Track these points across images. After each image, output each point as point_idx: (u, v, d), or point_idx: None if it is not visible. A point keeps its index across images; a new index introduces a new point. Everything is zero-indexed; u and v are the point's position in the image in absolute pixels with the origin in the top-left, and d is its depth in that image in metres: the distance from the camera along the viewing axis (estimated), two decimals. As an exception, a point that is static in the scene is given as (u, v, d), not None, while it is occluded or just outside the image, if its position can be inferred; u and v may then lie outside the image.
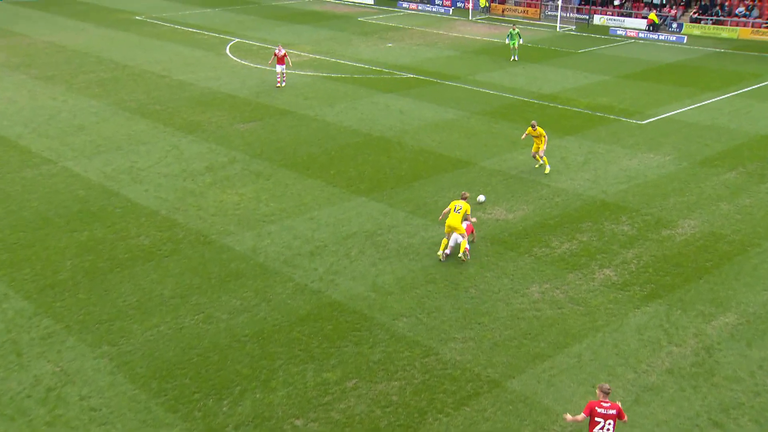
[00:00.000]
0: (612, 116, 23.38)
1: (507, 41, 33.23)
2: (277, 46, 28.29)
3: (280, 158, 19.78)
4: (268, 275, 13.83)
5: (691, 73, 29.76)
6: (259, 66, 30.57)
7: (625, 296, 13.13)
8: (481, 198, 15.43)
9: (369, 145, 20.77)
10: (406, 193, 17.42)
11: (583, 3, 44.24)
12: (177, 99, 25.34)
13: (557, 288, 13.38)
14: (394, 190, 17.59)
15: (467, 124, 22.78)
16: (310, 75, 29.39)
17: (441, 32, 39.78)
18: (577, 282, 13.43)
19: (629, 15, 42.23)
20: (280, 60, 26.25)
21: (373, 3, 52.04)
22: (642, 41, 37.78)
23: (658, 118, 23.20)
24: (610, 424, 9.06)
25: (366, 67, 30.90)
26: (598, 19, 42.90)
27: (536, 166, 18.69)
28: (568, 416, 9.26)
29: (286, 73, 27.65)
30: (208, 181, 18.16)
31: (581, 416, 9.15)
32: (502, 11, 46.69)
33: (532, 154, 18.45)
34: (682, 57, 33.15)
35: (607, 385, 9.14)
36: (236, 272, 13.93)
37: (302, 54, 33.68)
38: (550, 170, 18.37)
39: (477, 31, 40.11)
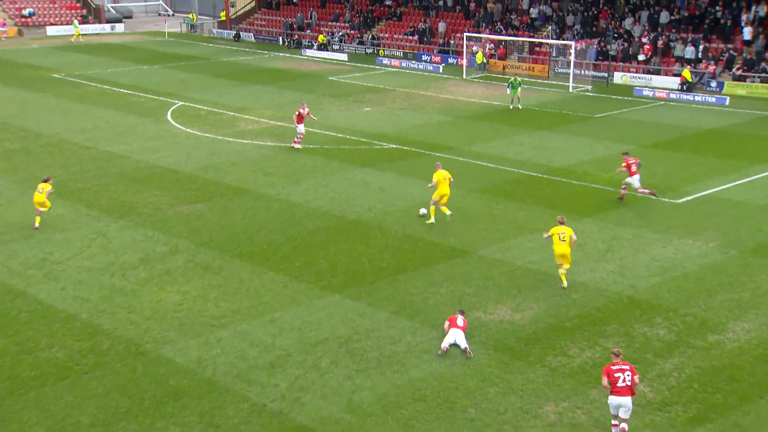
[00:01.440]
0: (639, 194, 24.62)
1: (508, 91, 36.54)
2: (302, 103, 30.77)
3: (234, 247, 20.38)
4: (216, 394, 13.93)
5: (736, 141, 31.43)
6: (208, 135, 31.81)
7: (666, 419, 13.09)
8: (423, 211, 20.64)
9: (343, 231, 21.49)
10: (389, 290, 17.90)
11: (600, 58, 47.14)
12: (105, 175, 26.16)
13: (578, 407, 13.48)
14: (374, 286, 18.08)
15: (462, 204, 23.68)
16: (271, 146, 30.60)
17: (429, 94, 41.84)
18: (602, 400, 13.45)
19: (657, 72, 44.95)
20: (303, 118, 29.14)
21: (347, 59, 54.82)
22: (674, 103, 39.95)
23: (697, 196, 24.33)
24: (628, 375, 12.54)
25: (339, 135, 32.26)
26: (619, 77, 45.57)
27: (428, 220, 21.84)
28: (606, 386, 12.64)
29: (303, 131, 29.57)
30: (142, 277, 18.58)
31: (604, 381, 12.56)
32: (503, 68, 49.39)
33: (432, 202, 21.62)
34: (725, 122, 35.03)
35: (618, 348, 13.01)
36: (176, 391, 13.97)
37: (261, 120, 35.15)
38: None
39: (473, 93, 42.25)
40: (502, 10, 54.78)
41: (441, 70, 49.93)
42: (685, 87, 41.99)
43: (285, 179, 26.05)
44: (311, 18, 63.68)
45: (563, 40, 48.36)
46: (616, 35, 47.29)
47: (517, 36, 50.70)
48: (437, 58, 52.57)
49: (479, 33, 51.04)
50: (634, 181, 23.55)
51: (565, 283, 18.01)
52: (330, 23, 62.70)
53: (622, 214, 22.73)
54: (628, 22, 48.11)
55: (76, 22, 65.24)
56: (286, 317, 16.69)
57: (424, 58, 53.17)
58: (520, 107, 36.46)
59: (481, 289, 17.91)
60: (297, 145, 29.26)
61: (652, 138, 32.05)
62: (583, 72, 45.45)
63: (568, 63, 45.28)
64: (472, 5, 56.19)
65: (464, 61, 48.35)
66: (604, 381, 12.59)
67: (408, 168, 27.51)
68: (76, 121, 34.14)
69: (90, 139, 30.86)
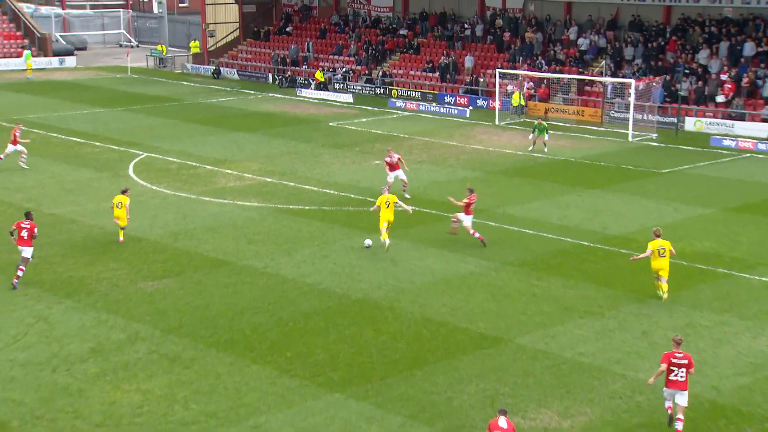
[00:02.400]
0: (720, 270, 24.64)
1: (530, 136, 39.33)
2: (388, 150, 32.45)
3: (209, 334, 20.51)
4: None
5: None
6: (179, 193, 32.33)
7: None
8: (368, 242, 25.74)
9: (346, 313, 21.65)
10: (403, 387, 17.92)
11: (668, 99, 47.88)
12: (48, 244, 26.51)
13: None
14: (384, 383, 18.10)
15: (495, 280, 23.89)
16: (258, 207, 31.06)
17: (454, 143, 42.49)
18: None
19: (741, 117, 45.63)
20: (394, 167, 31.32)
21: (351, 101, 55.98)
22: (763, 156, 40.42)
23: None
24: (683, 372, 15.95)
25: (342, 195, 32.70)
26: (692, 124, 46.20)
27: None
28: (651, 379, 16.38)
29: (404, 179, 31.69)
30: (92, 372, 18.60)
31: (662, 367, 15.95)
32: (545, 112, 50.22)
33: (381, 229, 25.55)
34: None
35: (679, 336, 16.39)
36: None
37: (246, 176, 35.76)
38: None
39: (507, 142, 42.83)
40: (543, 40, 56.00)
41: (468, 115, 50.78)
42: (775, 135, 42.55)
43: (274, 248, 26.34)
44: (308, 50, 65.33)
45: (620, 77, 49.27)
46: (687, 71, 48.03)
47: (562, 73, 51.72)
48: (463, 100, 53.57)
49: (515, 69, 52.14)
50: (467, 220, 26.48)
51: (665, 295, 21.95)
52: (331, 57, 64.25)
53: (699, 294, 22.80)
54: (702, 56, 48.94)
55: (28, 53, 66.51)
56: (274, 422, 16.68)
57: (447, 99, 54.21)
58: (546, 150, 39.10)
59: (519, 387, 17.92)
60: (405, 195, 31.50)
61: (735, 200, 32.33)
62: (646, 117, 46.13)
63: (627, 106, 46.00)
64: (507, 35, 57.51)
65: (497, 104, 49.23)
66: (662, 367, 16.02)
67: (427, 235, 27.77)
68: (12, 177, 34.80)
69: (31, 199, 31.43)
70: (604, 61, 51.14)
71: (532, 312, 21.62)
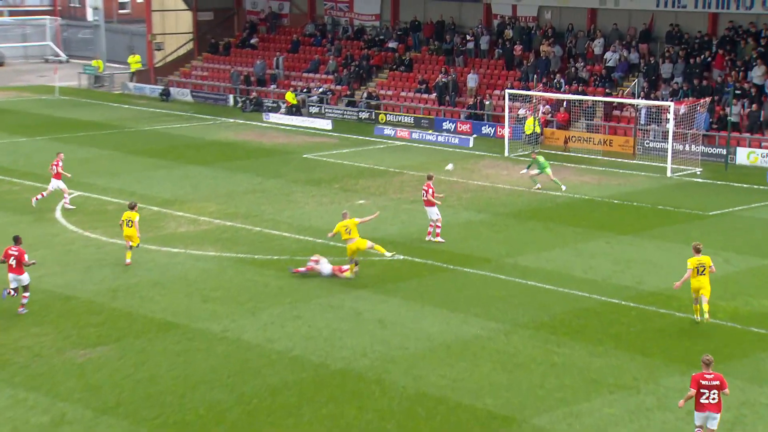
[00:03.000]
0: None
1: (531, 172, 40.53)
2: (426, 182, 33.10)
3: (154, 414, 20.30)
4: None
5: None
6: (118, 241, 32.24)
7: None
8: (450, 167, 27.73)
9: (324, 387, 21.49)
10: (395, 481, 17.97)
11: (715, 127, 48.26)
12: (-42, 303, 26.42)
13: None
14: (371, 475, 18.12)
15: (505, 346, 23.83)
16: (215, 257, 30.99)
17: (454, 179, 42.59)
18: None
19: (804, 147, 46.08)
20: (429, 202, 32.70)
21: (330, 128, 56.30)
22: (833, 195, 40.80)
23: None
24: (714, 393, 17.96)
25: (318, 242, 32.65)
26: (744, 156, 46.57)
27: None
28: (681, 402, 18.33)
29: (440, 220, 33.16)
30: (10, 461, 18.61)
31: (691, 392, 17.99)
32: (565, 142, 50.57)
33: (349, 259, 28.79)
34: None
35: (709, 356, 18.30)
36: None
37: (201, 219, 35.74)
38: None
39: (520, 178, 43.03)
40: (562, 55, 56.61)
41: (471, 144, 51.04)
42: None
43: (236, 308, 26.26)
44: (277, 67, 65.83)
45: (656, 99, 49.75)
46: (738, 92, 48.54)
47: (586, 94, 52.20)
48: (465, 127, 53.96)
49: (528, 89, 52.61)
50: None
51: (706, 315, 24.05)
52: (305, 75, 64.76)
53: (759, 365, 22.76)
54: (757, 73, 49.36)
55: None
56: None
57: (445, 126, 54.59)
58: (562, 187, 40.45)
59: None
60: (437, 238, 32.81)
61: (796, 247, 32.55)
62: (688, 147, 46.48)
63: (665, 134, 46.39)
64: (518, 49, 58.13)
65: (506, 132, 49.55)
66: (691, 392, 18.05)
67: (423, 291, 27.77)
68: None
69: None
70: (636, 80, 51.67)
71: (552, 386, 21.54)
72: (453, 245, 32.23)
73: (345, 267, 28.90)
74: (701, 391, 17.98)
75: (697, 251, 24.94)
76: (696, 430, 18.22)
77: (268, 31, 70.66)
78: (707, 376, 18.04)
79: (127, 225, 29.56)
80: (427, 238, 32.77)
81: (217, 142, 51.23)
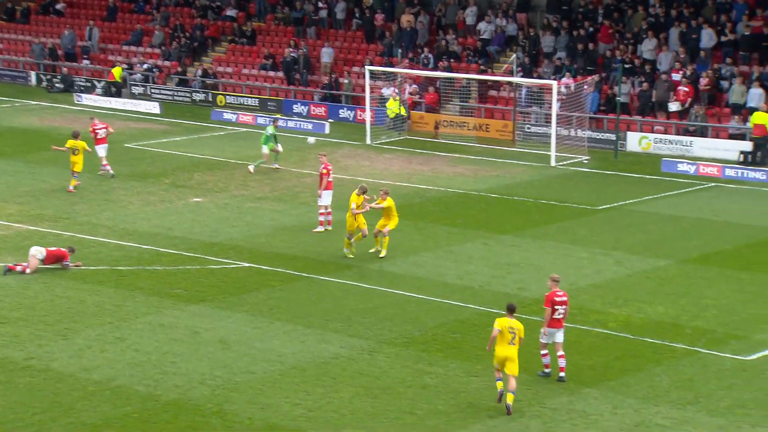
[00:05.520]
0: (680, 345, 25.30)
1: (264, 149, 42.44)
2: (323, 164, 34.54)
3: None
4: None
5: None
6: None
7: None
8: (311, 140, 29.54)
9: (153, 422, 21.10)
10: None
11: (603, 108, 49.42)
12: None
13: None
14: None
15: (369, 367, 23.80)
16: (17, 270, 30.34)
17: (308, 171, 42.62)
18: None
19: (702, 132, 47.56)
20: (329, 184, 34.61)
21: (158, 111, 55.76)
22: (732, 185, 42.05)
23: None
24: (564, 309, 22.70)
25: (145, 248, 32.25)
26: (635, 141, 47.72)
27: (372, 250, 31.55)
28: (543, 328, 22.78)
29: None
30: None
31: (547, 311, 22.62)
32: (436, 128, 51.05)
33: (375, 232, 31.43)
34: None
35: (556, 275, 23.11)
36: None
37: (-2, 222, 34.97)
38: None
39: (384, 169, 43.27)
40: (431, 26, 57.11)
41: (327, 131, 51.09)
42: (748, 157, 44.40)
43: (43, 330, 25.70)
44: (90, 38, 64.59)
45: (538, 77, 50.65)
46: (627, 67, 49.83)
47: (457, 71, 52.77)
48: (320, 110, 53.99)
49: (392, 66, 52.90)
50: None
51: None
52: (126, 48, 63.79)
53: (652, 381, 23.28)
54: (647, 47, 50.77)
55: None
56: None
57: (296, 109, 54.52)
58: (276, 166, 42.65)
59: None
60: (328, 227, 34.61)
61: (696, 246, 33.47)
62: (574, 133, 47.53)
63: (548, 118, 47.27)
64: (379, 18, 58.41)
65: (367, 116, 49.76)
66: (547, 311, 22.53)
67: (273, 304, 27.68)
68: None
69: None
70: (514, 55, 52.17)
71: (423, 412, 21.62)
72: (307, 250, 32.21)
73: (63, 250, 30.10)
74: (555, 308, 22.51)
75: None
76: (542, 351, 22.80)
77: (79, -5, 69.36)
78: (559, 293, 22.65)
79: (73, 153, 34.36)
80: (318, 229, 33.98)
81: (16, 130, 50.20)
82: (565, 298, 22.75)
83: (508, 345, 21.48)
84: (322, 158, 34.62)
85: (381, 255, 31.40)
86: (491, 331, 21.54)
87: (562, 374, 22.90)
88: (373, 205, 31.49)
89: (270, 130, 42.51)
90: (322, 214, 34.10)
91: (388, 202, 31.40)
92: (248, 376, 23.33)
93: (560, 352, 22.80)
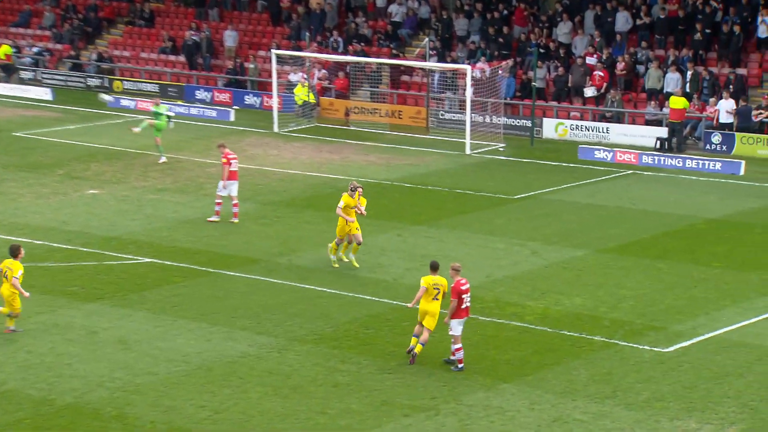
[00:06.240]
0: (597, 338, 25.66)
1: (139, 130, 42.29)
2: (224, 153, 34.63)
3: None
4: None
5: (761, 240, 33.88)
6: None
7: None
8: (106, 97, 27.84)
9: (48, 428, 20.91)
10: None
11: (519, 94, 49.90)
12: None
13: None
14: None
15: (279, 365, 23.82)
16: None
17: (211, 161, 42.48)
18: None
19: (618, 118, 48.28)
20: (233, 174, 34.41)
21: (50, 97, 55.32)
22: (649, 173, 42.76)
23: (699, 339, 25.68)
24: (468, 297, 23.43)
25: (37, 243, 31.92)
26: (552, 128, 48.34)
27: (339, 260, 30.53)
28: (448, 319, 23.29)
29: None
30: None
31: (454, 302, 23.10)
32: (347, 115, 51.12)
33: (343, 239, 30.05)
34: (739, 206, 37.80)
35: (457, 264, 23.64)
36: None
37: None
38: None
39: (293, 158, 43.34)
40: (339, 8, 57.13)
41: (232, 118, 50.94)
42: (664, 144, 45.22)
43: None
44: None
45: (451, 61, 50.91)
46: (543, 51, 50.32)
47: (368, 55, 52.88)
48: (224, 96, 53.79)
49: (300, 50, 52.90)
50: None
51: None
52: (13, 29, 62.92)
53: (570, 375, 23.58)
54: (563, 30, 51.47)
55: None
56: None
57: (199, 95, 54.24)
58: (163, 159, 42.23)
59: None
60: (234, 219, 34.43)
61: (614, 236, 33.98)
62: (489, 119, 47.92)
63: (462, 104, 47.59)
64: (285, 0, 58.21)
65: (275, 102, 49.78)
66: (454, 302, 23.02)
67: (176, 301, 27.63)
68: None
69: None
70: (427, 38, 52.38)
71: (335, 411, 21.72)
72: (212, 244, 32.12)
73: None
74: (462, 297, 23.11)
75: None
76: (456, 346, 23.24)
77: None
78: (463, 282, 23.24)
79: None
80: (213, 218, 34.07)
81: None
82: (468, 286, 23.35)
83: (432, 300, 23.50)
84: (222, 148, 34.47)
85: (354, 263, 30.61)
86: (452, 302, 23.07)
87: (460, 363, 23.47)
88: (363, 209, 30.26)
89: (156, 110, 42.25)
90: (218, 203, 34.01)
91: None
92: (150, 377, 23.24)
93: (459, 355, 23.41)
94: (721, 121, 45.33)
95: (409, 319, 26.48)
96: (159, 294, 28.08)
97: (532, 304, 27.85)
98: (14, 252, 24.84)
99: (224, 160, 33.92)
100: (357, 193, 29.94)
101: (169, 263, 30.39)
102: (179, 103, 52.47)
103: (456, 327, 23.17)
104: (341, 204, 29.54)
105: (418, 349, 23.51)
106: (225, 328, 25.89)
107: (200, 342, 25.10)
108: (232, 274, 29.69)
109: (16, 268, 24.57)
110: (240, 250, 31.72)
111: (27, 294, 24.59)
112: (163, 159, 42.15)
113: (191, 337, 25.38)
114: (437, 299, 23.59)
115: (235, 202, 34.03)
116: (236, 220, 34.03)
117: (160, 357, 24.25)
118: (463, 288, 23.15)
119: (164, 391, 22.56)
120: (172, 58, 57.82)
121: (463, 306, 23.18)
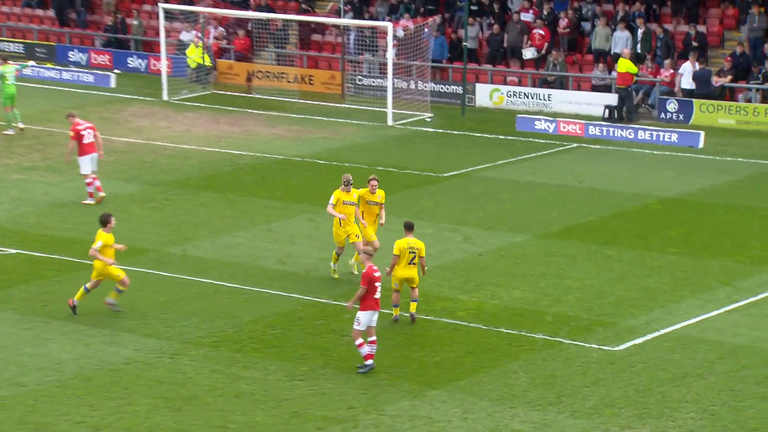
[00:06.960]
0: (539, 336, 25.83)
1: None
2: (75, 124, 34.40)
3: None
4: None
5: (718, 221, 34.33)
6: None
7: None
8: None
9: None
10: None
11: (449, 57, 49.83)
12: None
13: None
14: None
15: (170, 373, 23.72)
16: None
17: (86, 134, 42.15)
18: None
19: (561, 85, 48.56)
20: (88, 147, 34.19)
21: None
22: (597, 146, 43.06)
23: (651, 337, 25.93)
24: (379, 286, 23.60)
25: None
26: (486, 95, 48.44)
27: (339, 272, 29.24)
28: (350, 305, 23.96)
29: None
30: None
31: (362, 290, 23.39)
32: (249, 80, 50.92)
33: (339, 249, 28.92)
34: (699, 183, 38.17)
35: (370, 248, 25.25)
36: None
37: None
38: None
39: (186, 131, 43.25)
40: (239, -45, 56.85)
41: (113, 84, 50.50)
42: (614, 114, 45.53)
43: None
44: None
45: (370, 18, 50.83)
46: (474, 7, 50.27)
47: (274, 11, 52.61)
48: (103, 58, 53.29)
49: (193, 4, 52.45)
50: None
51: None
52: None
53: (508, 378, 23.83)
54: (495, -18, 51.47)
55: None
56: None
57: (73, 56, 53.68)
58: (19, 127, 41.89)
59: None
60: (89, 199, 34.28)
61: (558, 218, 34.28)
62: (414, 85, 47.99)
63: (383, 67, 47.62)
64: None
65: (163, 65, 49.43)
66: (363, 291, 23.35)
67: (47, 298, 27.45)
68: None
69: None
70: (341, -9, 52.55)
71: (238, 425, 21.71)
72: (90, 231, 31.75)
73: None
74: (375, 285, 23.46)
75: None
76: (359, 341, 23.48)
77: None
78: (375, 269, 23.54)
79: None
80: (88, 201, 34.01)
81: None
82: (380, 274, 23.68)
83: (408, 265, 25.30)
84: (71, 118, 34.25)
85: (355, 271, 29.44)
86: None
87: (369, 362, 23.60)
88: (362, 219, 28.94)
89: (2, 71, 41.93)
90: (88, 184, 33.86)
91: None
92: (17, 389, 23.02)
93: (373, 337, 23.60)
94: (683, 86, 45.69)
95: (323, 317, 26.54)
96: (27, 291, 27.87)
97: (465, 297, 27.98)
98: (103, 221, 26.60)
99: (72, 133, 33.74)
100: (369, 187, 29.00)
101: (38, 255, 30.14)
102: (49, 66, 51.88)
103: (368, 319, 23.43)
104: (331, 200, 28.60)
105: (413, 307, 25.52)
106: (107, 331, 25.73)
107: (77, 347, 24.89)
108: (114, 266, 29.41)
109: (97, 238, 26.28)
110: (124, 238, 31.22)
111: (110, 261, 26.17)
112: (11, 131, 41.98)
113: (66, 341, 25.15)
114: (414, 263, 25.26)
115: (91, 179, 33.94)
116: (91, 201, 33.98)
117: (28, 365, 24.02)
118: (376, 275, 23.45)
119: (34, 406, 22.32)
120: (39, 12, 57.19)
121: (376, 295, 23.46)
